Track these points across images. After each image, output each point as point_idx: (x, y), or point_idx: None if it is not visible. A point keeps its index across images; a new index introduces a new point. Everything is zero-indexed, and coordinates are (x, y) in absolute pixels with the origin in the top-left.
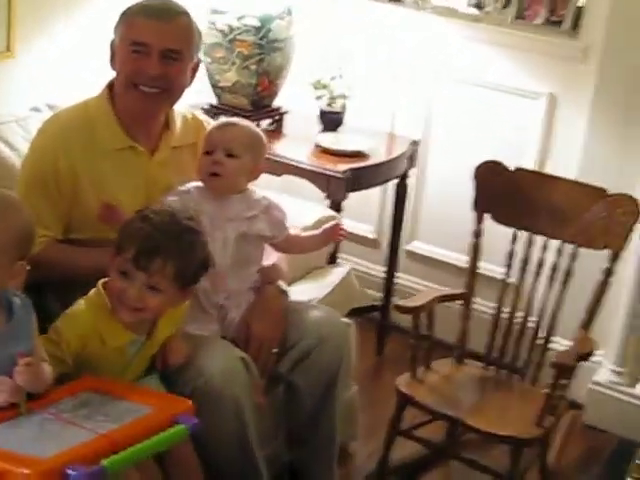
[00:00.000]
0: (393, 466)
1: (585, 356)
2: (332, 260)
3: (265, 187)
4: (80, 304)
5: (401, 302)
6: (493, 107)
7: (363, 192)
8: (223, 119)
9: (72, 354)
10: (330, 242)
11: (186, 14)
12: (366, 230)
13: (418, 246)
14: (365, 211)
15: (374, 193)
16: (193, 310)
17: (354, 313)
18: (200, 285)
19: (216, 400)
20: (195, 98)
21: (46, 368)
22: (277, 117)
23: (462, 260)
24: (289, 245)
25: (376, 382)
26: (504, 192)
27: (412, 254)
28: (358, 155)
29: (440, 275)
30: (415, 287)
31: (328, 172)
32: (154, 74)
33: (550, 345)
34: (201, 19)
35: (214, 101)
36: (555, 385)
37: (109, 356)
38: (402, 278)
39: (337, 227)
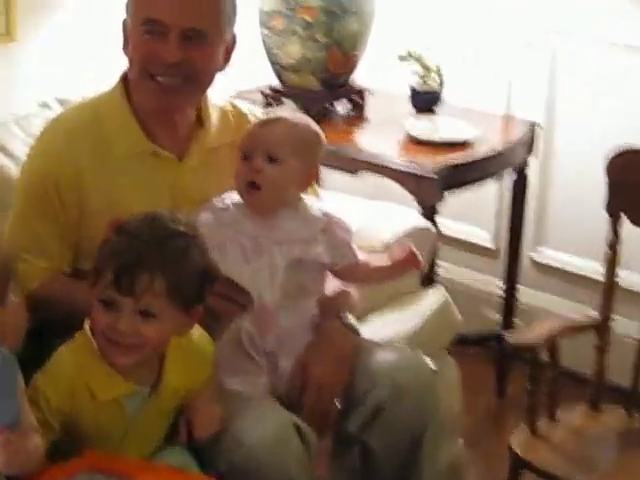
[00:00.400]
0: None
1: None
2: (429, 279)
3: (340, 189)
4: (61, 350)
5: (513, 337)
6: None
7: (477, 189)
8: (267, 114)
9: (55, 414)
10: (403, 274)
11: None
12: (480, 236)
13: (545, 254)
14: (478, 211)
15: (490, 188)
16: (235, 358)
17: (465, 342)
18: (243, 326)
19: (261, 478)
20: (252, 80)
21: (34, 442)
22: (356, 99)
23: (601, 271)
24: (352, 273)
25: (495, 433)
26: None
27: (538, 264)
28: (459, 145)
29: (574, 289)
30: (542, 306)
31: (417, 169)
32: (173, 61)
33: None
34: None
35: (276, 83)
36: None
37: (103, 414)
38: (526, 294)
39: (410, 255)
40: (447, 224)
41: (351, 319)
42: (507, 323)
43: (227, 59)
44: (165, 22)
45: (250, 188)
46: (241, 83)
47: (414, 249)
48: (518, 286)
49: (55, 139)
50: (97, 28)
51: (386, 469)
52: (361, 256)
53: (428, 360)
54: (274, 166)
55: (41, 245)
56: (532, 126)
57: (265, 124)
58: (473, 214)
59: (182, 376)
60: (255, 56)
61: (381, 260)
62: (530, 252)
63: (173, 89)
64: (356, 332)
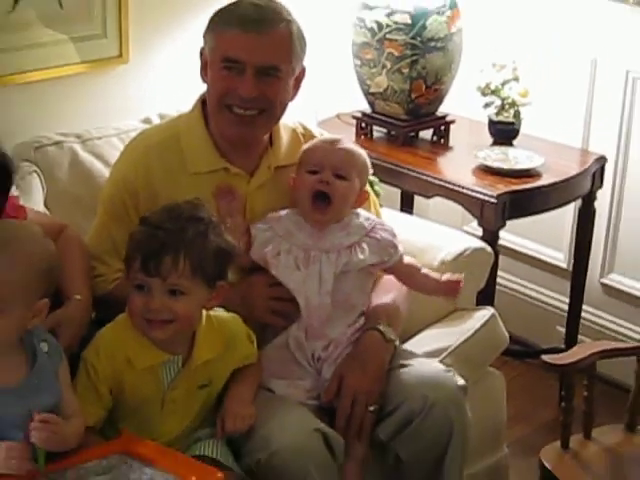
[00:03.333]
0: None
1: None
2: (485, 296)
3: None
4: (104, 328)
5: (551, 357)
6: None
7: (557, 212)
8: (325, 136)
9: (102, 380)
10: (442, 294)
11: (285, 20)
12: (555, 257)
13: (616, 279)
14: (556, 234)
15: (568, 214)
16: (282, 363)
17: (530, 354)
18: (291, 332)
19: (282, 478)
20: (345, 106)
21: (72, 424)
22: (442, 128)
23: None
24: (399, 274)
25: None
26: None
27: (609, 288)
28: (528, 174)
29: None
30: (610, 327)
31: (481, 195)
32: (248, 95)
33: None
34: (349, 15)
35: (366, 109)
36: None
37: (141, 382)
38: (595, 315)
39: (458, 284)
40: (526, 244)
41: (389, 332)
42: (571, 338)
43: (297, 88)
44: (242, 60)
45: (318, 200)
46: (338, 106)
47: (461, 281)
48: (585, 306)
49: (134, 157)
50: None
51: (413, 477)
52: (408, 259)
53: (457, 376)
54: (342, 182)
55: (119, 252)
56: (601, 160)
57: (333, 143)
58: (551, 235)
59: (212, 350)
60: (350, 83)
61: (433, 274)
62: (599, 275)
63: (249, 120)
64: (393, 344)
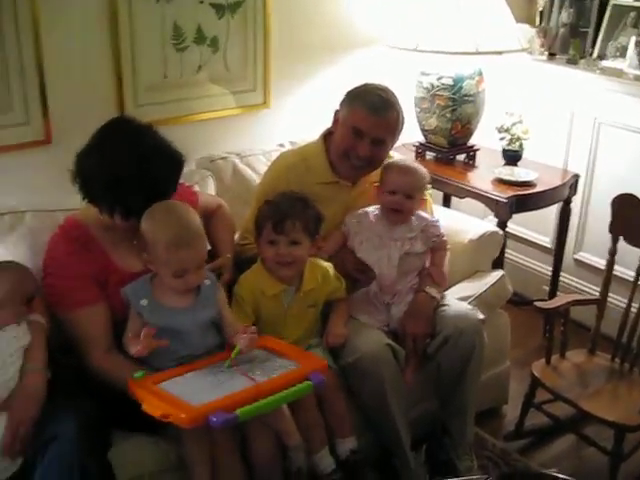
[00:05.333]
0: (526, 430)
1: None
2: (498, 263)
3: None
4: (245, 273)
5: (540, 303)
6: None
7: (546, 210)
8: (401, 163)
9: (247, 304)
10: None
11: (396, 109)
12: (543, 240)
13: (583, 255)
14: (545, 224)
15: (553, 211)
16: (365, 303)
17: (525, 303)
18: (371, 288)
19: (363, 376)
20: (409, 138)
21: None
22: (471, 153)
23: (622, 272)
24: (434, 251)
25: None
26: (636, 220)
27: (579, 261)
28: (527, 184)
29: (595, 277)
30: (578, 287)
31: (496, 197)
32: (363, 155)
33: None
34: (413, 79)
35: (422, 140)
36: None
37: (270, 304)
38: (569, 278)
39: (441, 275)
40: (524, 231)
41: (433, 292)
42: (552, 293)
43: (392, 148)
44: (365, 132)
45: (393, 212)
46: (405, 139)
47: (444, 275)
48: (562, 272)
49: (277, 167)
50: (322, 99)
51: (447, 376)
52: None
53: (479, 313)
54: (410, 200)
55: None
56: (576, 176)
57: (404, 173)
58: (541, 225)
59: (314, 282)
60: (412, 123)
61: (436, 265)
62: (572, 252)
63: (359, 169)
64: (435, 299)
